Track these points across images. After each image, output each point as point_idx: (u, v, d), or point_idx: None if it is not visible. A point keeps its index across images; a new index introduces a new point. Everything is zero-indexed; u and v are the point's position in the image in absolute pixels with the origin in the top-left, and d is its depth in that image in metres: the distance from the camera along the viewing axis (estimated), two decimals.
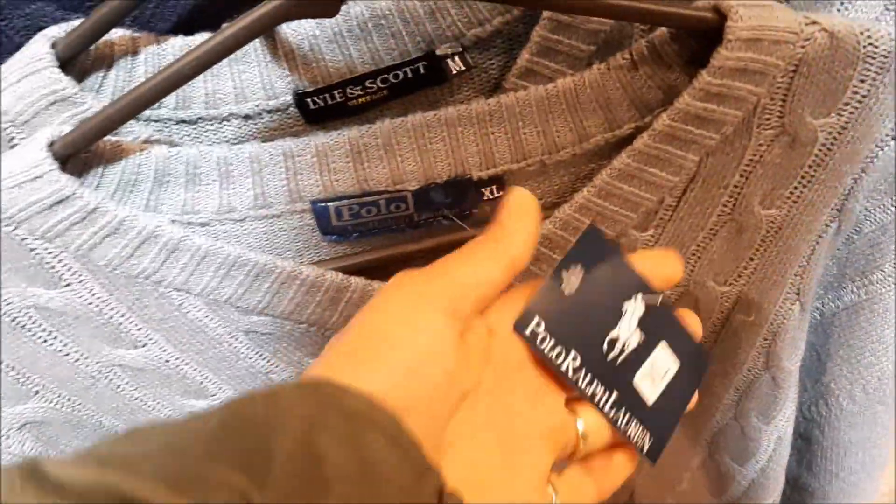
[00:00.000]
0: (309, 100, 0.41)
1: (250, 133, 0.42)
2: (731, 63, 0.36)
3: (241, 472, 0.24)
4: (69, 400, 0.43)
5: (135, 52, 0.40)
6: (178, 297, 0.39)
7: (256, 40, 0.40)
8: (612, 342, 0.36)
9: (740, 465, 0.49)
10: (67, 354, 0.41)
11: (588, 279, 0.36)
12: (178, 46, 0.40)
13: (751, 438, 0.48)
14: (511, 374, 0.34)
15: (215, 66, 0.37)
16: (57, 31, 0.39)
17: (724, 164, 0.39)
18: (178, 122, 0.41)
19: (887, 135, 0.39)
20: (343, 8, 0.39)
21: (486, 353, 0.34)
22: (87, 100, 0.39)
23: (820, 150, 0.39)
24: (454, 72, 0.41)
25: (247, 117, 0.41)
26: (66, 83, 0.38)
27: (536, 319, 0.35)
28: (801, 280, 0.43)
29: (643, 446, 0.37)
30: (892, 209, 0.42)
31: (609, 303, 0.37)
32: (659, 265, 0.38)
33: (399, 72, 0.41)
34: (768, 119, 0.38)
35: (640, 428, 0.37)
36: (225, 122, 0.41)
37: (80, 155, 0.38)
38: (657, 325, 0.37)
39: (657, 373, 0.37)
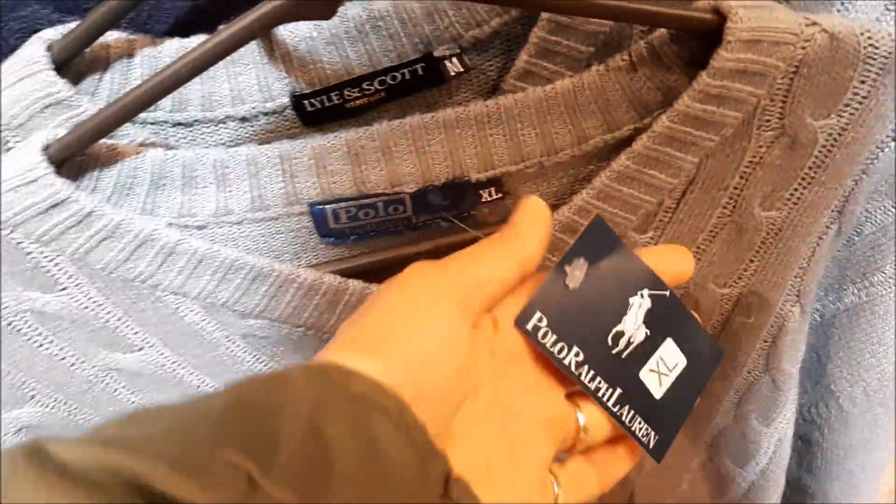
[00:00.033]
0: (306, 102, 0.41)
1: (247, 135, 0.41)
2: (731, 64, 0.36)
3: (247, 454, 0.23)
4: (66, 404, 0.42)
5: (131, 55, 0.40)
6: (175, 300, 0.39)
7: (253, 42, 0.39)
8: (618, 336, 0.36)
9: (740, 468, 0.49)
10: (64, 358, 0.41)
11: (593, 273, 0.36)
12: (175, 49, 0.40)
13: (751, 440, 0.48)
14: (512, 366, 0.35)
15: (211, 69, 0.37)
16: (52, 33, 0.39)
17: (724, 166, 0.39)
18: (174, 125, 0.41)
19: (888, 136, 0.39)
20: (340, 9, 0.39)
21: (491, 348, 0.34)
22: (82, 103, 0.38)
23: (820, 151, 0.39)
24: (452, 73, 0.41)
25: (243, 120, 0.41)
26: (61, 86, 0.38)
27: (538, 314, 0.35)
28: (801, 282, 0.42)
29: (648, 443, 0.36)
30: (893, 211, 0.41)
31: (614, 296, 0.36)
32: (669, 260, 0.38)
33: (397, 73, 0.41)
34: (768, 120, 0.38)
35: (646, 425, 0.36)
36: (221, 125, 0.41)
37: (76, 158, 0.37)
38: (664, 320, 0.37)
39: (664, 368, 0.37)
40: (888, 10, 0.40)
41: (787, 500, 0.53)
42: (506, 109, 0.39)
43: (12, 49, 0.39)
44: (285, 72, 0.40)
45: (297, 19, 0.36)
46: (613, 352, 0.36)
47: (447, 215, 0.40)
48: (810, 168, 0.39)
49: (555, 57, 0.40)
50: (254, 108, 0.41)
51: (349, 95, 0.41)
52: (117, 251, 0.37)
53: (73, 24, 0.39)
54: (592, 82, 0.38)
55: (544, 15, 0.39)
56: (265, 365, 0.42)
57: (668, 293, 0.37)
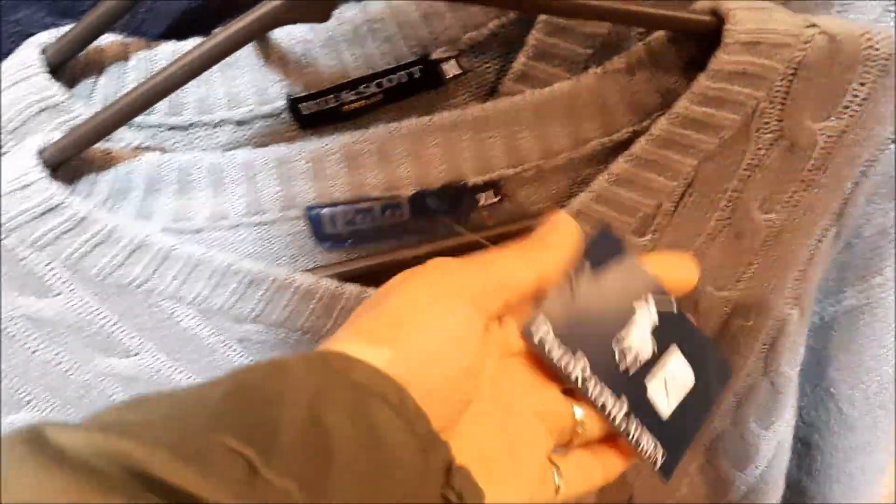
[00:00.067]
0: (302, 105, 0.40)
1: (243, 139, 0.41)
2: (730, 67, 0.36)
3: (246, 442, 0.23)
4: (62, 409, 0.42)
5: (125, 58, 0.40)
6: (170, 305, 0.39)
7: (249, 45, 0.39)
8: (624, 351, 0.36)
9: (739, 471, 0.49)
10: (59, 364, 0.40)
11: (599, 283, 0.36)
12: (170, 52, 0.39)
13: (750, 444, 0.48)
14: (510, 363, 0.35)
15: (207, 72, 0.36)
16: (47, 36, 0.39)
17: (723, 169, 0.39)
18: (169, 129, 0.40)
19: (888, 138, 0.39)
20: (336, 12, 0.39)
21: (497, 351, 0.34)
22: (77, 106, 0.38)
23: (819, 153, 0.38)
24: (450, 76, 0.41)
25: (239, 123, 0.41)
26: (55, 90, 0.38)
27: (544, 326, 0.35)
28: (800, 285, 0.42)
29: (655, 461, 0.36)
30: (893, 213, 0.41)
31: (621, 308, 0.36)
32: (673, 269, 0.38)
33: (394, 76, 0.40)
34: (767, 123, 0.38)
35: (653, 442, 0.36)
36: (217, 128, 0.41)
37: (71, 162, 0.37)
38: (673, 336, 0.37)
39: (672, 385, 0.37)
40: (888, 11, 0.40)
41: (787, 503, 0.53)
42: (503, 112, 0.39)
43: (7, 53, 0.39)
44: (281, 75, 0.40)
45: (293, 22, 0.35)
46: (620, 367, 0.36)
47: (445, 219, 0.40)
48: (809, 170, 0.39)
49: (553, 59, 0.40)
50: (250, 111, 0.40)
51: (346, 98, 0.41)
52: (111, 257, 0.37)
53: (67, 28, 0.39)
54: (590, 85, 0.38)
55: (542, 17, 0.39)
56: None
57: (675, 310, 0.37)
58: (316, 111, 0.41)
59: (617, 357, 0.36)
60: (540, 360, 0.35)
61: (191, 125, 0.40)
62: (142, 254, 0.37)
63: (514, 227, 0.40)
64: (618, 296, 0.36)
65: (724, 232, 0.41)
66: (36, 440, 0.22)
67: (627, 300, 0.36)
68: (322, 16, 0.36)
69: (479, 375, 0.33)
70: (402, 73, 0.40)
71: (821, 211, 0.40)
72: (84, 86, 0.40)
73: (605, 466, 0.37)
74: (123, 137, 0.40)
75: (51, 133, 0.37)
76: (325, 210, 0.39)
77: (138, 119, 0.39)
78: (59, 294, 0.38)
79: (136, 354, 0.40)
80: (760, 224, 0.40)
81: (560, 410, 0.35)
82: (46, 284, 0.38)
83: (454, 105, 0.42)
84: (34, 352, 0.40)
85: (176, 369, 0.41)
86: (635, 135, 0.38)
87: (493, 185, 0.39)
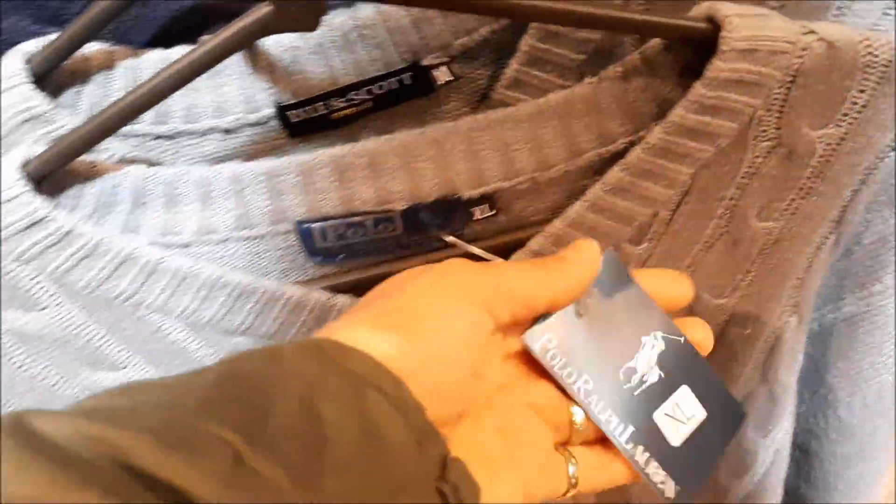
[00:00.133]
0: (291, 112, 0.40)
1: (231, 147, 0.40)
2: (726, 74, 0.35)
3: (234, 429, 0.23)
4: None
5: (111, 67, 0.39)
6: (158, 319, 0.38)
7: None
8: (629, 372, 0.36)
9: (737, 479, 0.48)
10: (46, 378, 0.40)
11: (604, 305, 0.36)
12: (156, 60, 0.39)
13: (748, 452, 0.47)
14: (507, 362, 0.35)
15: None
16: (32, 45, 0.38)
17: (720, 177, 0.38)
18: (156, 138, 0.40)
19: (887, 146, 0.38)
20: (325, 18, 0.38)
21: (499, 358, 0.34)
22: (61, 117, 0.38)
23: (818, 161, 0.38)
24: (441, 82, 0.40)
25: (227, 131, 0.40)
26: (39, 100, 0.37)
27: (548, 335, 0.35)
28: (798, 293, 0.41)
29: (665, 491, 0.35)
30: (893, 221, 0.40)
31: (626, 331, 0.36)
32: (668, 285, 0.38)
33: (384, 83, 0.40)
34: (765, 130, 0.37)
35: (663, 472, 0.35)
36: (205, 137, 0.40)
37: (56, 175, 0.36)
38: (680, 366, 0.37)
39: (681, 415, 0.36)
40: (886, 14, 0.39)
41: None
42: (497, 123, 0.38)
43: None
44: (270, 82, 0.39)
45: (281, 31, 0.35)
46: (625, 387, 0.35)
47: (439, 234, 0.39)
48: (808, 178, 0.38)
49: (545, 65, 0.39)
50: (238, 119, 0.40)
51: (335, 106, 0.40)
52: (98, 270, 0.37)
53: (52, 36, 0.38)
54: (585, 95, 0.37)
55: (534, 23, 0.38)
56: None
57: (682, 339, 0.37)
58: (305, 119, 0.40)
59: (622, 377, 0.36)
60: (532, 361, 0.35)
61: (177, 134, 0.40)
62: (128, 267, 0.37)
63: (508, 239, 0.39)
64: (623, 321, 0.36)
65: (722, 240, 0.40)
66: (19, 428, 0.21)
67: (633, 327, 0.36)
68: (310, 24, 0.35)
69: (481, 376, 0.33)
70: (393, 79, 0.40)
71: (819, 219, 0.39)
72: (69, 95, 0.39)
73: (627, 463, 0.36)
74: (109, 147, 0.39)
75: (35, 144, 0.36)
76: (316, 224, 0.38)
77: (124, 128, 0.39)
78: (45, 308, 0.38)
79: (123, 368, 0.40)
80: (758, 232, 0.40)
81: (555, 404, 0.35)
82: (32, 298, 0.37)
83: (446, 112, 0.41)
84: (20, 366, 0.39)
85: None
86: (631, 145, 0.38)
87: (487, 199, 0.39)
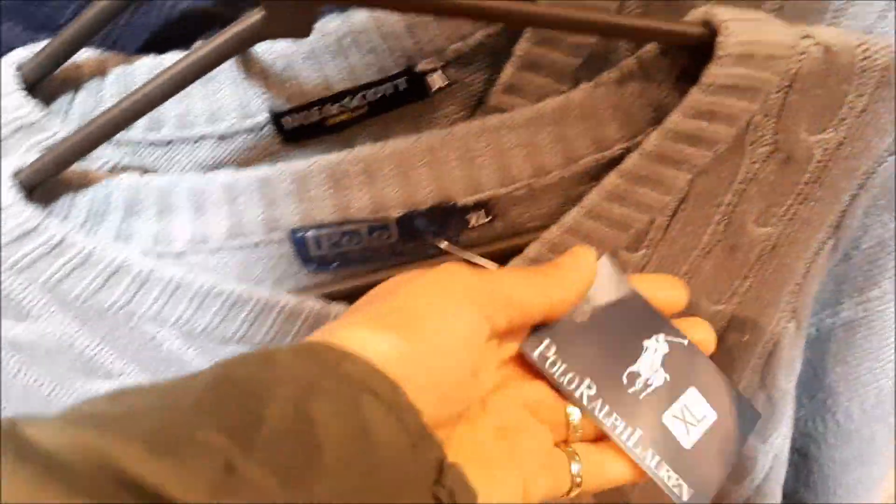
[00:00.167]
0: (285, 119, 0.39)
1: (225, 154, 0.40)
2: (723, 80, 0.35)
3: (226, 434, 0.23)
4: None
5: (103, 73, 0.39)
6: (152, 328, 0.38)
7: None
8: (633, 377, 0.36)
9: (736, 484, 0.48)
10: (41, 386, 0.40)
11: (601, 309, 0.36)
12: (148, 66, 0.38)
13: (747, 457, 0.47)
14: (503, 369, 0.35)
15: None
16: (24, 53, 0.38)
17: (717, 183, 0.38)
18: (149, 145, 0.39)
19: (885, 150, 0.38)
20: (319, 23, 0.38)
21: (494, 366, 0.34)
22: (53, 124, 0.37)
23: (816, 166, 0.37)
24: (436, 87, 0.40)
25: (221, 138, 0.40)
26: (31, 108, 0.37)
27: (546, 343, 0.35)
28: (796, 298, 0.41)
29: (681, 495, 0.35)
30: (892, 225, 0.40)
31: (626, 335, 0.36)
32: (663, 289, 0.38)
33: (379, 88, 0.39)
34: (762, 136, 0.37)
35: (675, 474, 0.35)
36: (198, 144, 0.40)
37: (48, 184, 0.36)
38: (686, 368, 0.37)
39: (690, 418, 0.36)
40: (883, 16, 0.39)
41: None
42: (492, 130, 0.38)
43: None
44: (263, 88, 0.39)
45: (273, 37, 0.35)
46: (630, 391, 0.35)
47: (434, 241, 0.39)
48: (806, 184, 0.38)
49: (541, 69, 0.39)
50: (231, 125, 0.39)
51: (329, 112, 0.40)
52: (90, 280, 0.36)
53: (44, 43, 0.38)
54: (581, 100, 0.37)
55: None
56: None
57: (686, 342, 0.37)
58: (299, 125, 0.40)
59: (625, 381, 0.35)
60: (526, 363, 0.35)
61: (171, 141, 0.39)
62: (121, 277, 0.37)
63: (504, 245, 0.39)
64: (622, 325, 0.36)
65: (719, 246, 0.40)
66: (8, 435, 0.21)
67: (633, 330, 0.36)
68: (303, 30, 0.34)
69: (478, 379, 0.32)
70: (388, 85, 0.39)
71: (817, 224, 0.39)
72: (61, 102, 0.39)
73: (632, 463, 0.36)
74: (102, 155, 0.39)
75: (27, 153, 0.36)
76: (310, 232, 0.37)
77: (117, 136, 0.38)
78: (38, 317, 0.37)
79: (119, 376, 0.40)
80: (756, 238, 0.39)
81: (551, 403, 0.35)
82: (25, 308, 0.37)
83: (441, 117, 0.41)
84: (15, 375, 0.39)
85: None
86: (627, 151, 0.37)
87: (483, 206, 0.38)
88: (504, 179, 0.38)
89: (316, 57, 0.38)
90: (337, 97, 0.39)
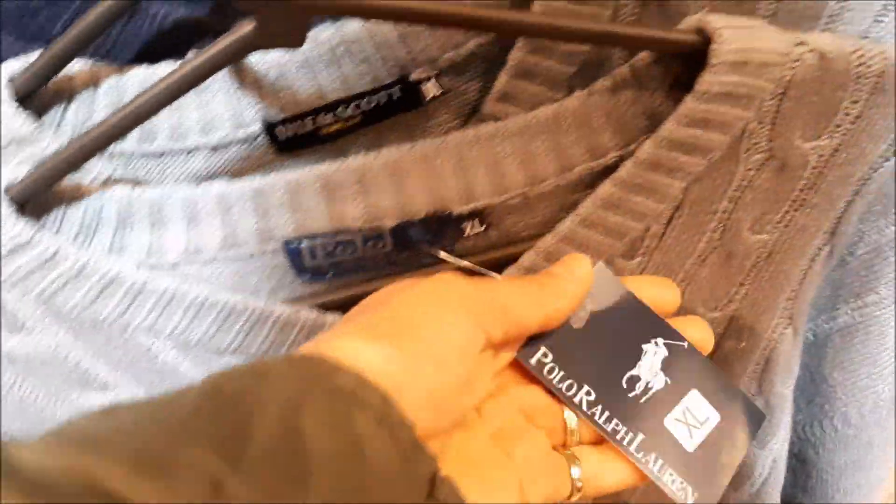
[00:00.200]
0: (279, 129, 0.39)
1: (219, 164, 0.40)
2: (717, 88, 0.35)
3: (214, 452, 0.22)
4: None
5: (95, 85, 0.39)
6: (147, 340, 0.38)
7: None
8: (633, 381, 0.36)
9: (735, 490, 0.48)
10: (36, 399, 0.40)
11: (597, 315, 0.36)
12: (141, 77, 0.38)
13: (745, 462, 0.47)
14: (495, 377, 0.35)
15: None
16: (16, 65, 0.38)
17: (712, 190, 0.38)
18: (142, 157, 0.39)
19: (881, 156, 0.37)
20: (312, 33, 0.38)
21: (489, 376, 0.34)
22: (45, 137, 0.37)
23: (811, 173, 0.37)
24: (430, 96, 0.40)
25: (214, 148, 0.39)
26: (22, 121, 0.37)
27: (543, 350, 0.35)
28: (793, 304, 0.41)
29: (686, 498, 0.35)
30: (888, 231, 0.40)
31: (624, 340, 0.36)
32: (656, 290, 0.38)
33: (373, 98, 0.39)
34: (757, 143, 0.37)
35: (679, 478, 0.35)
36: (191, 155, 0.39)
37: (40, 197, 0.36)
38: (687, 371, 0.37)
39: (693, 420, 0.36)
40: (878, 21, 0.38)
41: None
42: (486, 138, 0.37)
43: None
44: (257, 98, 0.39)
45: (266, 48, 0.34)
46: (630, 395, 0.35)
47: (429, 250, 0.38)
48: (801, 190, 0.38)
49: (535, 78, 0.39)
50: (225, 136, 0.39)
51: (323, 121, 0.39)
52: (84, 292, 0.36)
53: (36, 54, 0.38)
54: (575, 108, 0.37)
55: None
56: None
57: (685, 344, 0.37)
58: (293, 135, 0.40)
59: (625, 385, 0.35)
60: (526, 370, 0.35)
61: (164, 152, 0.39)
62: (115, 289, 0.36)
63: (499, 254, 0.39)
64: (620, 330, 0.36)
65: (715, 253, 0.40)
66: None
67: (631, 334, 0.36)
68: (295, 41, 0.34)
69: (473, 389, 0.32)
70: (381, 94, 0.39)
71: (813, 230, 0.39)
72: (53, 114, 0.39)
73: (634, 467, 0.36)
74: (95, 167, 0.38)
75: (18, 166, 0.36)
76: (305, 242, 0.37)
77: (109, 147, 0.38)
78: (32, 330, 0.37)
79: (114, 389, 0.40)
80: (752, 245, 0.39)
81: (547, 407, 0.35)
82: (20, 321, 0.37)
83: (435, 126, 0.41)
84: (10, 388, 0.39)
85: None
86: (622, 159, 0.37)
87: (478, 214, 0.38)
88: (498, 188, 0.38)
89: (309, 66, 0.38)
90: (330, 107, 0.39)
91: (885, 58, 0.35)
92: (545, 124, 0.37)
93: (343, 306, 0.38)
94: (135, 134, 0.38)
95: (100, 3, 0.36)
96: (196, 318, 0.37)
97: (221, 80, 0.39)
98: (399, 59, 0.38)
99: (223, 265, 0.38)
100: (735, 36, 0.35)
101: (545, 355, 0.35)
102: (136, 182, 0.38)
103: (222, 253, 0.38)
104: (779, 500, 0.50)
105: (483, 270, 0.38)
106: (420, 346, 0.30)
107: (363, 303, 0.34)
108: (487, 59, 0.39)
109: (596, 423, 0.35)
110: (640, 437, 0.35)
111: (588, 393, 0.35)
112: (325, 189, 0.37)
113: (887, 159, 0.37)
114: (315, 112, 0.39)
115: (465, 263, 0.39)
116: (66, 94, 0.39)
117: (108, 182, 0.38)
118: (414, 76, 0.39)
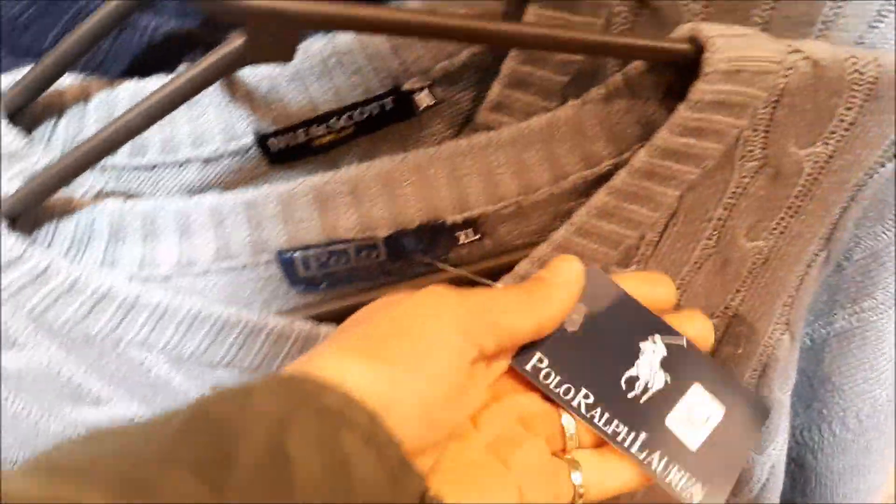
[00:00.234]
0: (271, 141, 0.39)
1: (211, 177, 0.40)
2: (710, 96, 0.35)
3: (197, 476, 0.22)
4: None
5: (86, 99, 0.38)
6: (140, 354, 0.38)
7: None
8: (632, 381, 0.35)
9: (733, 495, 0.48)
10: (30, 414, 0.39)
11: (592, 317, 0.35)
12: (131, 91, 0.38)
13: (743, 468, 0.47)
14: (490, 386, 0.34)
15: None
16: (6, 79, 0.38)
17: (707, 198, 0.38)
18: (133, 170, 0.39)
19: (876, 162, 0.37)
20: (303, 45, 0.38)
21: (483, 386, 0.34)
22: (36, 152, 0.37)
23: (806, 180, 0.37)
24: (423, 107, 0.39)
25: (206, 161, 0.39)
26: (13, 136, 0.36)
27: (538, 355, 0.34)
28: (790, 310, 0.41)
29: (693, 496, 0.35)
30: (884, 236, 0.40)
31: (621, 340, 0.36)
32: (651, 287, 0.38)
33: (365, 108, 0.39)
34: (751, 151, 0.37)
35: (684, 477, 0.35)
36: (183, 167, 0.39)
37: (31, 212, 0.36)
38: (687, 368, 0.36)
39: (695, 418, 0.36)
40: (872, 27, 0.38)
41: None
42: (479, 148, 0.37)
43: None
44: (248, 111, 0.39)
45: (256, 63, 0.34)
46: (629, 396, 0.35)
47: (423, 259, 0.38)
48: (796, 197, 0.38)
49: (528, 87, 0.39)
50: (217, 148, 0.39)
51: (316, 133, 0.39)
52: (76, 307, 0.36)
53: (26, 69, 0.37)
54: (568, 117, 0.37)
55: None
56: None
57: (684, 340, 0.36)
58: (285, 147, 0.39)
59: (624, 386, 0.35)
60: (522, 377, 0.35)
61: (155, 166, 0.39)
62: (107, 303, 0.36)
63: (493, 263, 0.39)
64: (616, 330, 0.36)
65: (711, 260, 0.40)
66: None
67: (628, 334, 0.36)
68: (285, 55, 0.34)
69: (465, 400, 0.32)
70: (374, 104, 0.39)
71: (809, 237, 0.39)
72: (43, 129, 0.38)
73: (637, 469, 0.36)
74: (86, 180, 0.38)
75: (9, 182, 0.36)
76: (298, 253, 0.37)
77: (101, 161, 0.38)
78: (25, 345, 0.37)
79: (107, 403, 0.39)
80: (747, 252, 0.39)
81: (543, 413, 0.35)
82: (12, 336, 0.37)
83: (428, 136, 0.41)
84: (2, 403, 0.39)
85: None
86: (616, 167, 0.37)
87: (472, 223, 0.38)
88: (492, 197, 0.38)
89: (301, 78, 0.38)
90: (323, 118, 0.39)
91: (878, 65, 0.35)
92: (539, 133, 0.37)
93: (337, 317, 0.38)
94: (126, 148, 0.38)
95: (90, 18, 0.36)
96: (189, 331, 0.37)
97: (212, 94, 0.38)
98: (391, 70, 0.38)
99: (216, 277, 0.38)
100: (728, 44, 0.34)
101: (540, 360, 0.34)
102: (128, 195, 0.38)
103: (215, 265, 0.37)
104: None
105: (479, 279, 0.38)
106: (410, 360, 0.29)
107: (353, 317, 0.34)
108: (480, 68, 0.39)
109: (595, 425, 0.34)
110: (643, 437, 0.35)
111: (586, 396, 0.34)
112: (318, 200, 0.37)
113: (882, 165, 0.37)
114: (307, 123, 0.39)
115: (460, 272, 0.38)
116: (57, 109, 0.38)
117: (99, 195, 0.38)
118: (407, 86, 0.39)
